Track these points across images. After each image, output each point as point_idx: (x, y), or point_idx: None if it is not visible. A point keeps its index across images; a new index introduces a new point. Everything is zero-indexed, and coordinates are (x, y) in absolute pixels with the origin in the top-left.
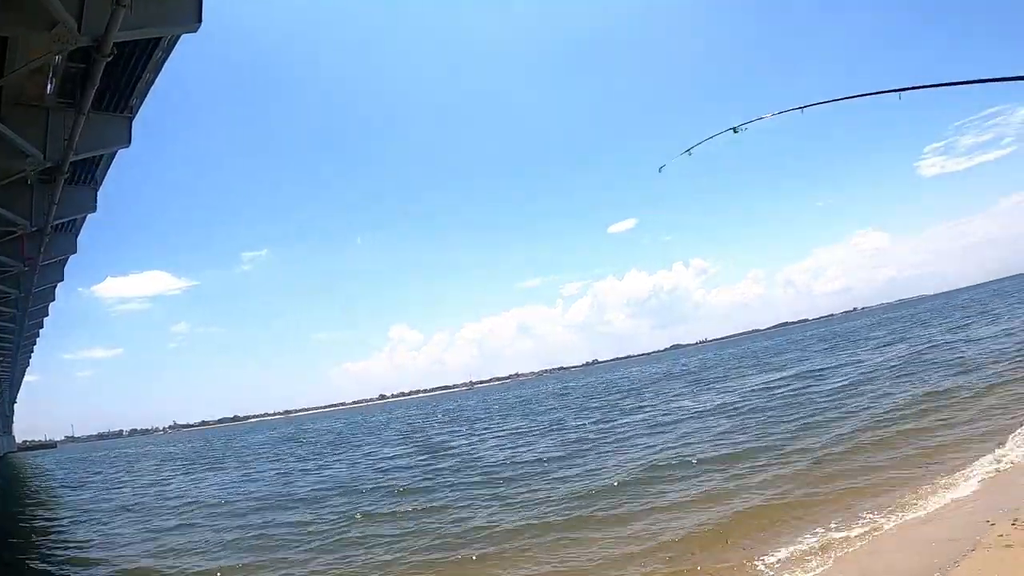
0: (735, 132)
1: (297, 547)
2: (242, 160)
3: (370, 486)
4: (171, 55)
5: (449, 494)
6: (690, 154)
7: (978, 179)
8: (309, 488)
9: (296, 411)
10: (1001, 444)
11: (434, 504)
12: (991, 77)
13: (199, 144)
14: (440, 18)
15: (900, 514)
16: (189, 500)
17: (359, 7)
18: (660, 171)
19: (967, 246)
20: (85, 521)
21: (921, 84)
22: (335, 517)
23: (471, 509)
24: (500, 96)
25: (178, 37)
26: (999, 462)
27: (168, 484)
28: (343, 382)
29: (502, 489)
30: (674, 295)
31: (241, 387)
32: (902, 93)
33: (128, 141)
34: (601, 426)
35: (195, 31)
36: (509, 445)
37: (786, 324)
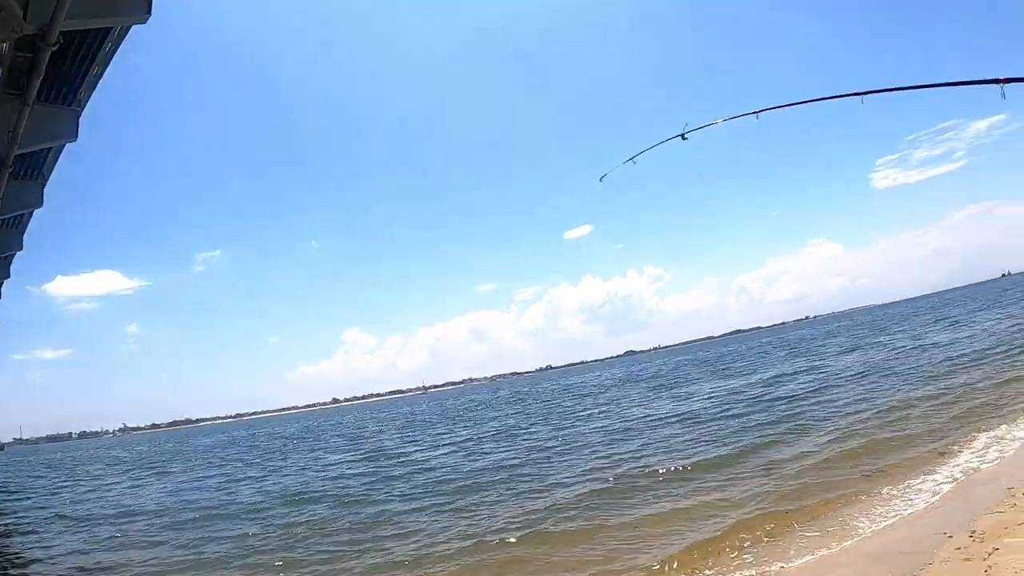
0: (683, 139)
1: (232, 564)
2: (196, 159)
3: (318, 495)
4: (121, 47)
5: (399, 505)
6: (634, 162)
7: (930, 192)
8: (254, 496)
9: (248, 414)
10: (957, 455)
11: (382, 517)
12: (950, 81)
13: (152, 141)
14: (400, 23)
15: (857, 527)
16: (129, 509)
17: (320, 11)
18: (601, 180)
19: (918, 257)
20: (17, 531)
21: (883, 88)
22: (277, 530)
23: (421, 522)
24: (459, 101)
25: (128, 29)
26: (956, 474)
27: (110, 491)
28: (296, 385)
29: (454, 500)
30: (628, 302)
31: (193, 389)
32: (864, 97)
33: (75, 135)
34: (557, 434)
35: (144, 23)
36: (462, 452)
37: (739, 331)
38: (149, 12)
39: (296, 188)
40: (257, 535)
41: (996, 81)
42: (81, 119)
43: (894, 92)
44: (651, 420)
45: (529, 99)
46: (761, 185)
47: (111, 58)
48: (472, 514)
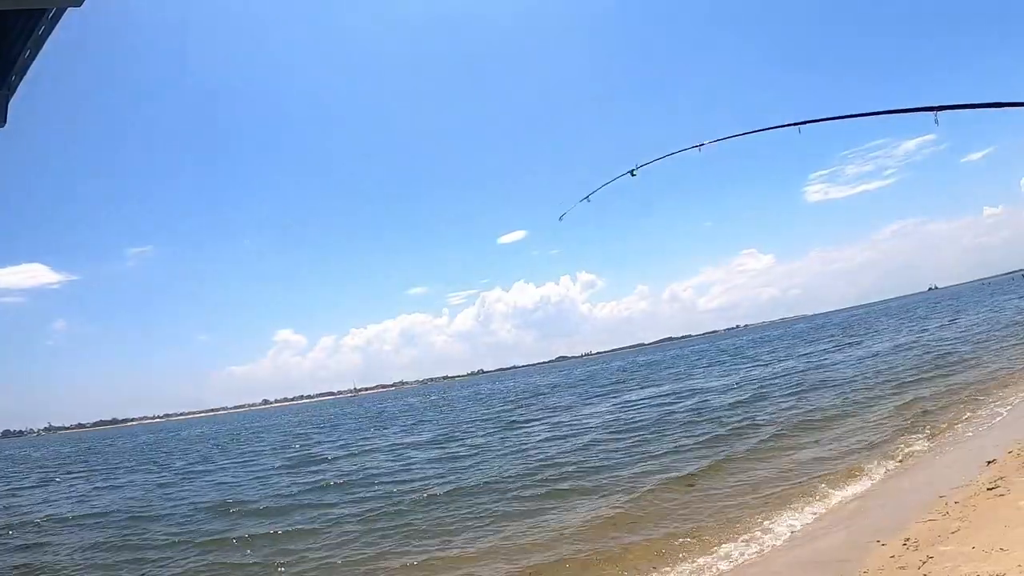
0: (633, 175)
1: None
2: (128, 150)
3: (244, 507)
4: (55, 31)
5: (335, 515)
6: (589, 200)
7: (861, 207)
8: (173, 504)
9: (177, 415)
10: (886, 463)
11: (319, 535)
12: (884, 110)
13: (83, 130)
14: (338, 19)
15: (785, 534)
16: (40, 520)
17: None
18: (560, 219)
19: (848, 269)
20: None
21: (818, 118)
22: (197, 549)
23: (361, 542)
24: (390, 100)
25: (62, 11)
26: (887, 481)
27: (18, 495)
28: (226, 385)
29: (399, 516)
30: (560, 307)
31: (120, 388)
32: (801, 127)
33: (3, 120)
34: (496, 441)
35: (80, 5)
36: (399, 459)
37: (671, 339)
38: None
39: (229, 185)
40: (165, 551)
41: (930, 109)
42: (10, 104)
43: (831, 121)
44: (589, 427)
45: (467, 101)
46: (696, 196)
47: (44, 41)
48: (418, 528)
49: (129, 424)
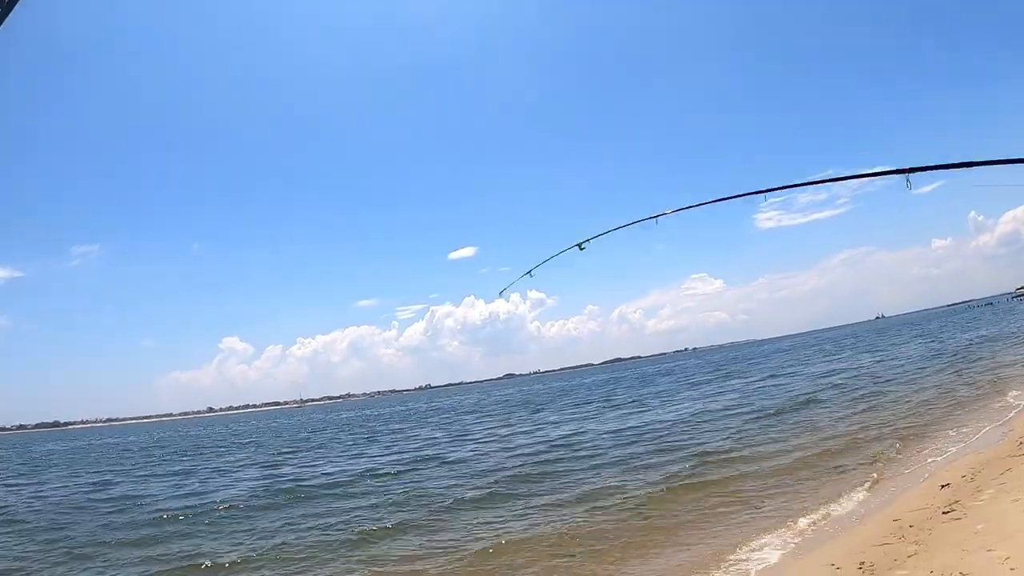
0: (581, 249)
1: None
2: (77, 145)
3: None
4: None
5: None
6: (531, 275)
7: (812, 235)
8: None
9: (120, 420)
10: (843, 488)
11: None
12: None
13: (31, 122)
14: (285, 33)
15: (740, 560)
16: None
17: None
18: (501, 295)
19: (797, 296)
20: None
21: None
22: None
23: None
24: (344, 109)
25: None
26: (842, 506)
27: None
28: (171, 391)
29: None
30: (509, 325)
31: (64, 390)
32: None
33: None
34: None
35: None
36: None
37: (619, 360)
38: None
39: (179, 187)
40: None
41: (901, 171)
42: None
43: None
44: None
45: (421, 114)
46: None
47: None
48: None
49: (72, 427)
